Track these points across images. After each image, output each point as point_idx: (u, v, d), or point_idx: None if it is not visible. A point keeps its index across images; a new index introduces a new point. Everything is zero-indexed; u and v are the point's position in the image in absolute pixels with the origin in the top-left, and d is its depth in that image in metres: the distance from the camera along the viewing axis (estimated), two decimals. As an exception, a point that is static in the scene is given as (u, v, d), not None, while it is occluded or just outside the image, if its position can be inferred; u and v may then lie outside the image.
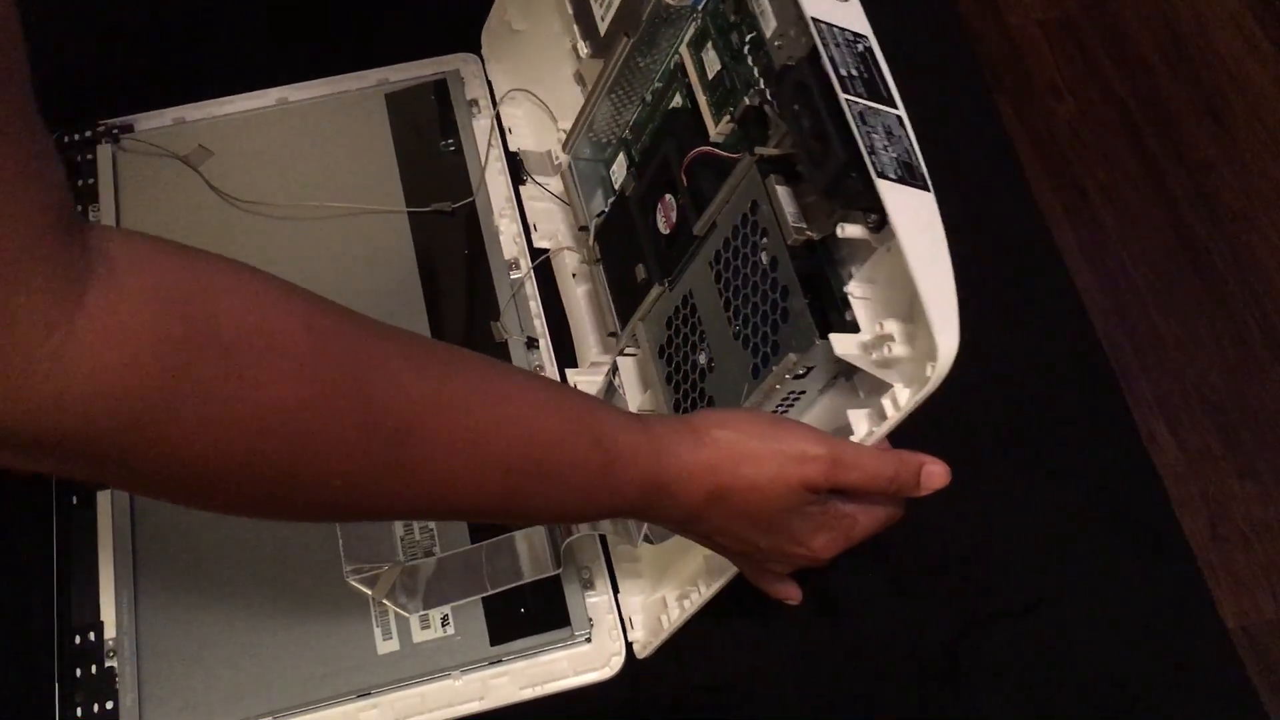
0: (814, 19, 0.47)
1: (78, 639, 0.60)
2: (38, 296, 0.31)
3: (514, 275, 0.72)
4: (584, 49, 0.67)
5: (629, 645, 0.62)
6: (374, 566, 0.62)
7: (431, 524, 0.63)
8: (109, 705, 0.59)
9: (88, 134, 0.75)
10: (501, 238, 0.73)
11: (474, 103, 0.78)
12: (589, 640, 0.62)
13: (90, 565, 0.62)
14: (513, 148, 0.76)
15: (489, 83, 0.79)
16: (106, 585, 0.62)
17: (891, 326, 0.47)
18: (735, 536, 0.51)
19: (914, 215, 0.44)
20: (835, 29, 0.47)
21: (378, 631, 0.61)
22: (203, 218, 0.73)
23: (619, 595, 0.63)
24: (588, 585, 0.63)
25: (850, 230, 0.48)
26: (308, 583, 0.62)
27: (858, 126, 0.45)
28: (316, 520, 0.46)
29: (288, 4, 0.82)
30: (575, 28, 0.68)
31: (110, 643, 0.60)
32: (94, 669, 0.60)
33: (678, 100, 0.62)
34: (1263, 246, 1.54)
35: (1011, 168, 0.80)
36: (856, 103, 0.45)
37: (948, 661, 0.63)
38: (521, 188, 0.75)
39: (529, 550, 0.63)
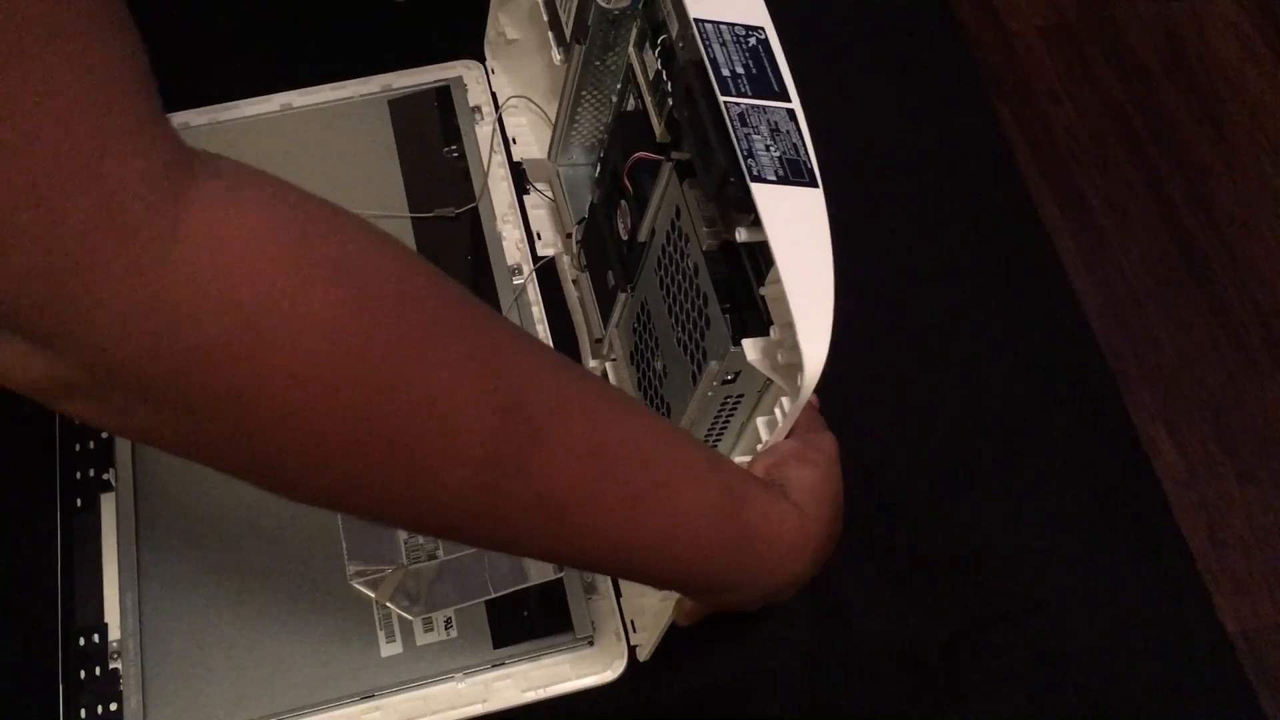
0: (695, 20, 0.46)
1: (82, 641, 0.61)
2: (149, 179, 0.28)
3: (516, 281, 0.72)
4: (557, 56, 0.67)
5: (631, 649, 0.62)
6: (377, 570, 0.62)
7: (435, 527, 0.63)
8: (113, 707, 0.59)
9: (92, 139, 0.75)
10: (504, 243, 0.73)
11: (477, 109, 0.78)
12: (591, 643, 0.62)
13: (95, 567, 0.62)
14: (516, 158, 0.76)
15: (492, 91, 0.79)
16: (111, 587, 0.62)
17: (783, 331, 0.46)
18: (761, 595, 0.47)
19: (790, 217, 0.43)
20: (723, 26, 0.46)
21: (381, 634, 0.61)
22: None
23: (621, 599, 0.63)
24: (590, 589, 0.63)
25: (745, 234, 0.47)
26: (311, 586, 0.62)
27: (735, 129, 0.44)
28: (407, 524, 0.39)
29: (292, 10, 0.83)
30: (550, 35, 0.68)
31: (115, 645, 0.60)
32: (98, 671, 0.60)
33: (632, 103, 0.62)
34: (1261, 252, 1.55)
35: (1010, 173, 0.81)
36: (737, 104, 0.44)
37: (946, 664, 0.63)
38: (525, 197, 0.75)
39: (531, 554, 0.63)
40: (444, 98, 0.79)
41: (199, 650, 0.61)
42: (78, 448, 0.65)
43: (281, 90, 0.79)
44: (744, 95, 0.45)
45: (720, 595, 0.47)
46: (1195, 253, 1.55)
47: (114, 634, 0.61)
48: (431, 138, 0.77)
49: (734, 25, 0.47)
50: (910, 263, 0.75)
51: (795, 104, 0.46)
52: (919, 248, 0.76)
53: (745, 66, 0.46)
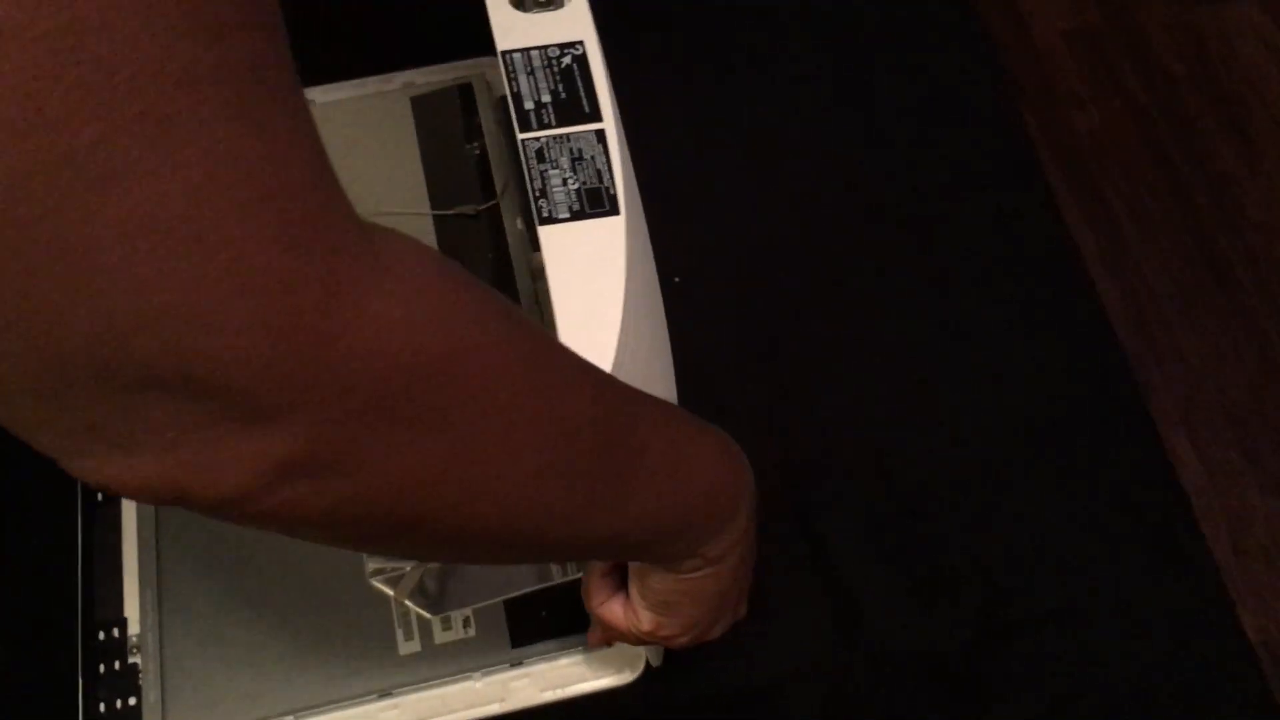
0: (502, 53, 0.45)
1: (101, 635, 0.61)
2: (353, 222, 0.28)
3: (540, 281, 0.72)
4: None
5: (649, 650, 0.62)
6: (396, 568, 0.62)
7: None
8: (132, 701, 0.59)
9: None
10: (525, 241, 0.73)
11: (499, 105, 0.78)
12: (609, 644, 0.62)
13: (114, 562, 0.63)
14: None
15: (514, 87, 0.79)
16: (130, 582, 0.62)
17: None
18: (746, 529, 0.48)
19: (576, 255, 0.43)
20: (533, 53, 0.45)
21: (399, 632, 0.61)
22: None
23: (639, 600, 0.63)
24: (609, 589, 0.63)
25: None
26: (330, 583, 0.62)
27: (530, 168, 0.44)
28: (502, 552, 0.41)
29: (313, 6, 0.83)
30: None
31: (134, 639, 0.61)
32: (117, 665, 0.60)
33: None
34: (1285, 259, 1.54)
35: (1034, 178, 0.80)
36: (536, 140, 0.44)
37: (967, 670, 0.63)
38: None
39: (550, 553, 0.63)
40: (466, 94, 0.79)
41: (218, 645, 0.61)
42: (99, 442, 0.65)
43: (303, 86, 0.79)
44: (547, 126, 0.44)
45: (725, 528, 0.47)
46: (1219, 258, 1.54)
47: (133, 628, 0.61)
48: (453, 135, 0.77)
49: (546, 48, 0.45)
50: (934, 267, 0.75)
51: (606, 122, 0.45)
52: (942, 252, 0.75)
53: (554, 92, 0.45)
